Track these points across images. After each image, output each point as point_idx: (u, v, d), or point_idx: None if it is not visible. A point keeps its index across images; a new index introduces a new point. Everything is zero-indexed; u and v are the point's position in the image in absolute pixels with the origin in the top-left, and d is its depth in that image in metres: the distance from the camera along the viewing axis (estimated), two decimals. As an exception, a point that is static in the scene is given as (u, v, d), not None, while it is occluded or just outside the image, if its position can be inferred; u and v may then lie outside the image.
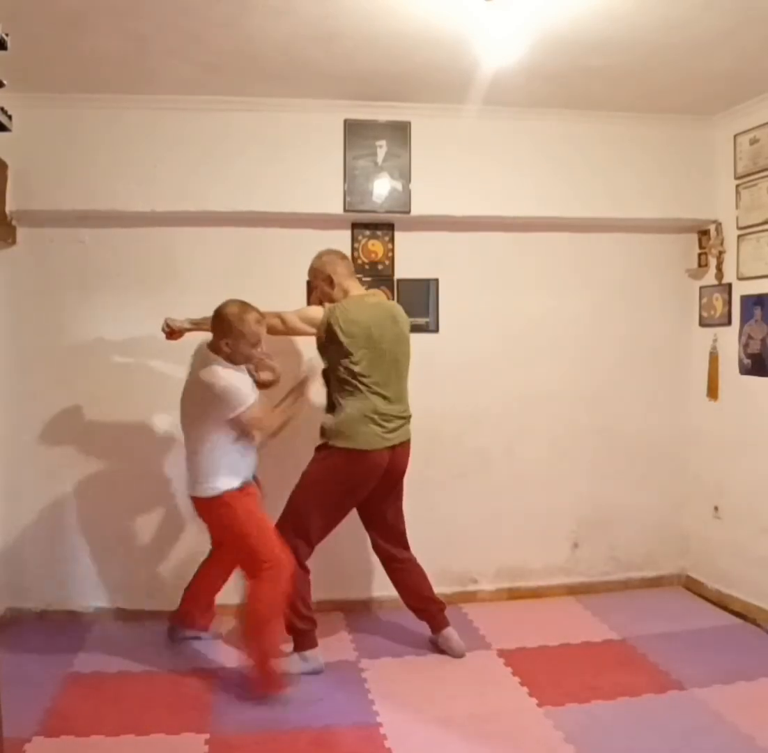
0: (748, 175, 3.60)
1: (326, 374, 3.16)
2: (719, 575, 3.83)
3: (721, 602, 3.78)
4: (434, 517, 3.45)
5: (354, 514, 3.75)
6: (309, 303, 3.45)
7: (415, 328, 3.22)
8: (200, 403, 2.89)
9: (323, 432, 3.09)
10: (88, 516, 3.62)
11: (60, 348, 3.59)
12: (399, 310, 3.24)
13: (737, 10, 2.59)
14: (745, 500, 3.65)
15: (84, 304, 3.60)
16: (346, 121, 3.57)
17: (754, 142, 3.56)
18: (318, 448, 3.14)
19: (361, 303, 3.13)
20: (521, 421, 3.95)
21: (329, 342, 3.05)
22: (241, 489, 2.97)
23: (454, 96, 3.42)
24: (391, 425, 3.08)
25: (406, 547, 3.32)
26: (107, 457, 3.63)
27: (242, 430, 2.91)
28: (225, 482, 2.91)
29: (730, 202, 3.73)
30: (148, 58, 3.00)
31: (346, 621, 3.64)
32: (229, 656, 3.21)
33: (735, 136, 3.67)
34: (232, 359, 2.93)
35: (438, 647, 3.29)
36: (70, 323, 3.60)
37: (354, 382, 3.03)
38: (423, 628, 3.41)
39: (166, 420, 3.54)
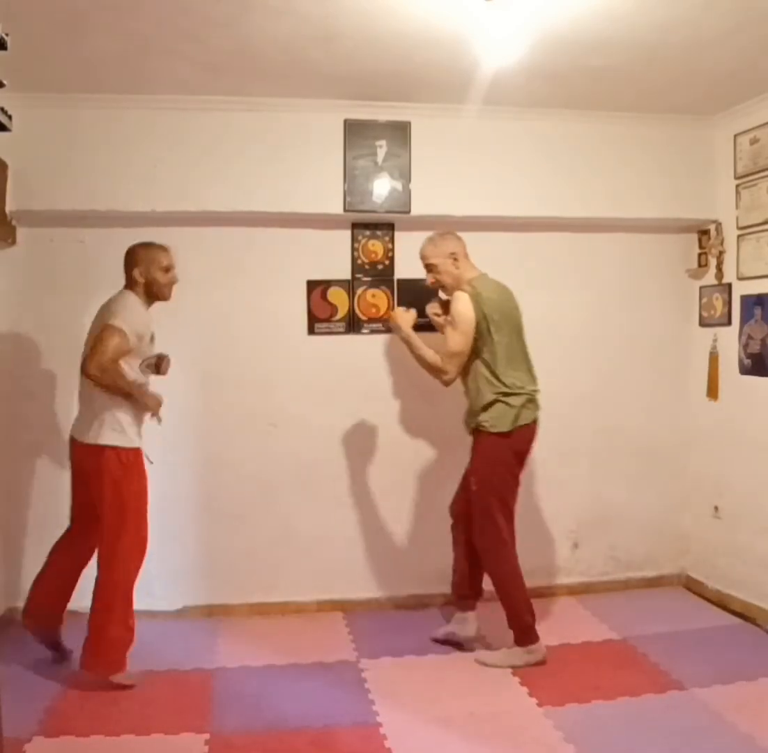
0: (748, 175, 3.60)
1: (467, 362, 3.10)
2: (719, 575, 3.83)
3: (721, 602, 3.78)
4: (435, 517, 3.45)
5: (354, 512, 3.76)
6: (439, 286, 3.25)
7: (416, 328, 3.22)
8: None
9: (480, 417, 3.05)
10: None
11: (59, 348, 3.58)
12: None
13: (737, 10, 2.59)
14: (745, 500, 3.65)
15: (84, 305, 3.58)
16: (346, 121, 3.57)
17: (754, 142, 3.56)
18: (478, 435, 3.09)
19: (489, 281, 3.16)
20: (521, 421, 3.95)
21: (478, 327, 3.04)
22: (139, 451, 2.85)
23: (454, 96, 3.42)
24: (535, 397, 3.15)
25: None
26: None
27: (94, 350, 2.74)
28: (125, 433, 2.80)
29: (730, 202, 3.73)
30: (148, 58, 3.00)
31: (346, 621, 3.63)
32: (229, 656, 3.21)
33: (735, 136, 3.67)
34: (148, 292, 2.93)
35: (444, 639, 3.27)
36: (70, 323, 3.57)
37: (504, 361, 3.05)
38: (423, 629, 3.41)
39: (165, 419, 3.53)
